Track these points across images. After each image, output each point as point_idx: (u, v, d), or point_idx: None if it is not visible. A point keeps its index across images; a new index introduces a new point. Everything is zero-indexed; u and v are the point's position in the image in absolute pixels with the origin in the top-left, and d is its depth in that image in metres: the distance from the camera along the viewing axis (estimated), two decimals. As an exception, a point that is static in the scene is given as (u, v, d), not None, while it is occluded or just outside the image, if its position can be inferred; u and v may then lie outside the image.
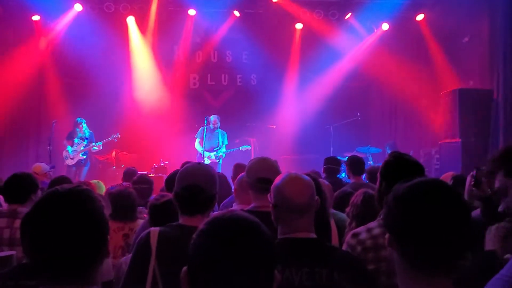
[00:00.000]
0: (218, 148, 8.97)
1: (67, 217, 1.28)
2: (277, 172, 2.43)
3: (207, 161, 8.59)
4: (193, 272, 1.05)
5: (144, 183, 4.67)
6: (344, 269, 1.78)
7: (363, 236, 2.15)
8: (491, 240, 2.25)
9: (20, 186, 3.33)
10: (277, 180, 1.95)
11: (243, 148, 9.14)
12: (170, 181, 3.14)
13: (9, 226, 3.15)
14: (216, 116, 9.14)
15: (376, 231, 2.14)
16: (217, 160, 8.90)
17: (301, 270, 1.75)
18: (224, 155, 9.14)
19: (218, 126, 9.09)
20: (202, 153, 8.90)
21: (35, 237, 1.29)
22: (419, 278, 1.24)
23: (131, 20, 10.54)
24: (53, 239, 1.27)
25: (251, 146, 9.88)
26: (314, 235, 1.89)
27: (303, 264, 1.76)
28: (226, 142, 9.20)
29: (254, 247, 1.05)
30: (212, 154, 8.97)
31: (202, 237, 1.07)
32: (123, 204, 3.59)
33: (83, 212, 1.31)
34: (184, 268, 1.08)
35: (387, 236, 1.30)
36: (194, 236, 1.09)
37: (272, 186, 1.97)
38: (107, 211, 1.42)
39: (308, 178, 1.98)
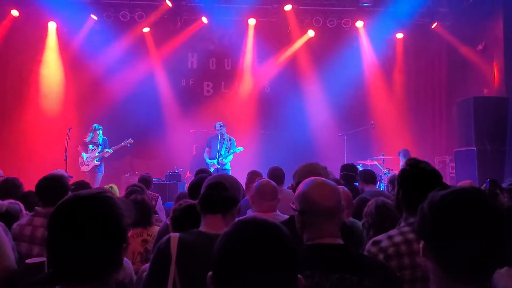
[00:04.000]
0: (221, 155, 8.89)
1: (82, 221, 1.27)
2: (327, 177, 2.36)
3: (211, 170, 8.41)
4: (217, 273, 1.09)
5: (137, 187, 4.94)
6: (374, 276, 1.78)
7: (385, 243, 2.13)
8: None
9: (52, 188, 3.22)
10: (302, 186, 1.95)
11: (238, 150, 8.98)
12: (192, 189, 3.18)
13: (43, 226, 3.10)
14: (220, 122, 8.93)
15: (397, 238, 2.13)
16: (218, 166, 8.79)
17: (331, 276, 1.75)
18: (227, 161, 9.03)
19: (223, 132, 8.91)
20: (209, 163, 8.88)
21: (52, 238, 1.29)
22: (454, 286, 1.24)
23: (146, 30, 10.72)
24: (67, 241, 1.26)
25: None
26: (341, 241, 1.89)
27: (333, 270, 1.76)
28: (234, 148, 9.03)
29: (276, 248, 1.08)
30: (214, 161, 8.87)
31: (227, 238, 1.11)
32: (139, 210, 3.65)
33: (99, 218, 1.29)
34: (210, 273, 1.11)
35: (421, 244, 1.30)
36: (220, 237, 1.13)
37: (296, 193, 1.97)
38: (129, 220, 1.37)
39: (333, 183, 1.99)
